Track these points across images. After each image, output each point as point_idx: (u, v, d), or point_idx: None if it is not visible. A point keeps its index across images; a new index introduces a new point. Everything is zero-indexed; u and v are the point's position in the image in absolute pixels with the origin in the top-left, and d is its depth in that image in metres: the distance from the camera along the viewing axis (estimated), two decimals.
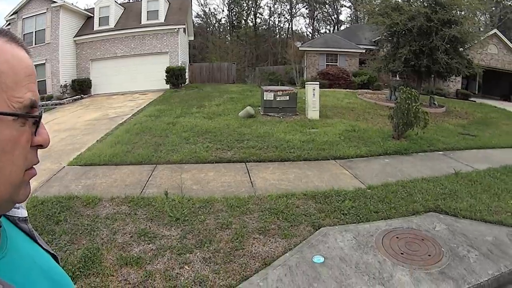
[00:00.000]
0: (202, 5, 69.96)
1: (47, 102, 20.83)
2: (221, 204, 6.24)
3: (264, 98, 14.66)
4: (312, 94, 14.35)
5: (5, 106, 0.74)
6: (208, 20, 58.81)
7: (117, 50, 25.88)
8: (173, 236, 5.19)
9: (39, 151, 0.87)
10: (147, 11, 26.45)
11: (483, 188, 7.61)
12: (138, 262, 4.51)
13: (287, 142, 10.47)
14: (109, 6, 26.31)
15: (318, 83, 15.59)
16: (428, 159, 9.86)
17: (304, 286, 4.21)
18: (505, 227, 5.94)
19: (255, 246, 5.03)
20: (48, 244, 1.07)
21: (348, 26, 52.72)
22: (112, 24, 26.24)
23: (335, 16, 61.34)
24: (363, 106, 18.07)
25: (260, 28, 57.01)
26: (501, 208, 6.62)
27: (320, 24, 63.12)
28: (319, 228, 5.58)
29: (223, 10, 75.02)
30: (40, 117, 0.82)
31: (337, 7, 60.45)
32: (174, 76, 24.03)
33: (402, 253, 4.98)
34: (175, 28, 25.91)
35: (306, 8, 59.37)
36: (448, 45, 17.91)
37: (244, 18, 56.51)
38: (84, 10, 27.80)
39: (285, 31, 59.91)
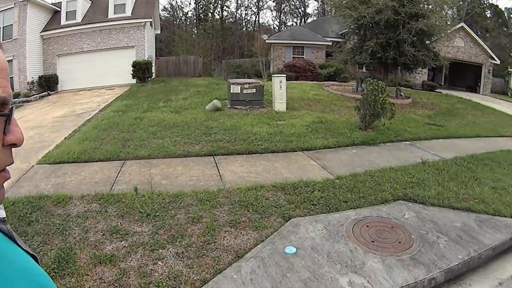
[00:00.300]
0: None
1: (14, 99, 20.03)
2: (191, 198, 6.17)
3: (231, 91, 14.50)
4: (279, 86, 14.27)
5: None
6: (175, 14, 58.09)
7: (83, 45, 25.20)
8: (145, 232, 5.12)
9: None
10: (114, 5, 25.77)
11: (450, 176, 7.70)
12: (112, 260, 4.44)
13: (254, 134, 10.39)
14: (77, 0, 25.51)
15: (284, 75, 15.54)
16: (395, 149, 9.93)
17: (278, 277, 4.20)
18: (473, 213, 6.03)
19: (227, 239, 5.00)
20: None
21: (315, 19, 52.92)
22: (79, 18, 25.47)
23: (302, 9, 61.56)
24: (330, 98, 18.10)
25: (227, 21, 56.66)
26: (468, 195, 6.71)
27: (287, 17, 63.27)
28: (289, 219, 5.57)
29: (190, 3, 74.37)
30: (10, 114, 0.79)
31: (304, 0, 60.72)
32: (140, 70, 23.68)
33: (373, 241, 5.00)
34: (142, 22, 25.44)
35: (273, 1, 59.41)
36: (415, 38, 18.16)
37: (211, 11, 56.05)
38: (52, 4, 26.77)
39: (252, 24, 59.82)
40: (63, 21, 25.31)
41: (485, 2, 49.15)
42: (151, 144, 9.43)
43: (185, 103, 15.44)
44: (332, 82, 25.70)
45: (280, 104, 14.27)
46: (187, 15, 59.11)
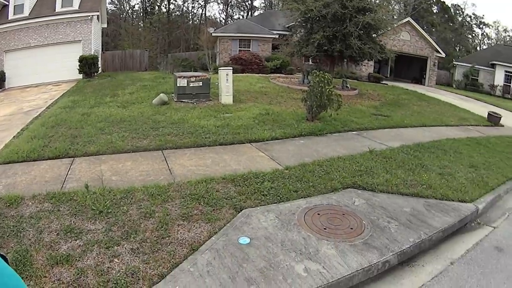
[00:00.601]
0: None
1: None
2: (142, 194, 6.05)
3: (178, 85, 14.21)
4: (225, 79, 14.15)
5: None
6: (122, 7, 56.69)
7: (30, 40, 24.06)
8: (99, 229, 5.00)
9: None
10: None
11: (398, 164, 7.83)
12: (68, 260, 4.31)
13: (202, 127, 10.22)
14: None
15: (231, 68, 15.41)
16: (342, 139, 10.01)
17: (234, 268, 4.19)
18: (422, 198, 6.16)
19: (181, 232, 4.96)
20: None
21: (262, 12, 53.11)
22: (26, 12, 24.19)
23: (249, 2, 61.73)
24: (276, 90, 18.14)
25: (173, 15, 55.96)
26: (416, 181, 6.83)
27: (234, 10, 63.26)
28: (241, 210, 5.56)
29: None
30: None
31: None
32: (87, 65, 23.04)
33: (325, 228, 5.01)
34: (89, 16, 24.59)
35: None
36: (362, 31, 18.37)
37: (158, 4, 55.14)
38: None
39: (198, 17, 59.37)
40: (10, 16, 24.01)
41: None
42: (100, 140, 9.12)
43: (132, 98, 15.01)
44: (278, 75, 25.80)
45: (226, 97, 14.13)
46: (134, 9, 57.95)
